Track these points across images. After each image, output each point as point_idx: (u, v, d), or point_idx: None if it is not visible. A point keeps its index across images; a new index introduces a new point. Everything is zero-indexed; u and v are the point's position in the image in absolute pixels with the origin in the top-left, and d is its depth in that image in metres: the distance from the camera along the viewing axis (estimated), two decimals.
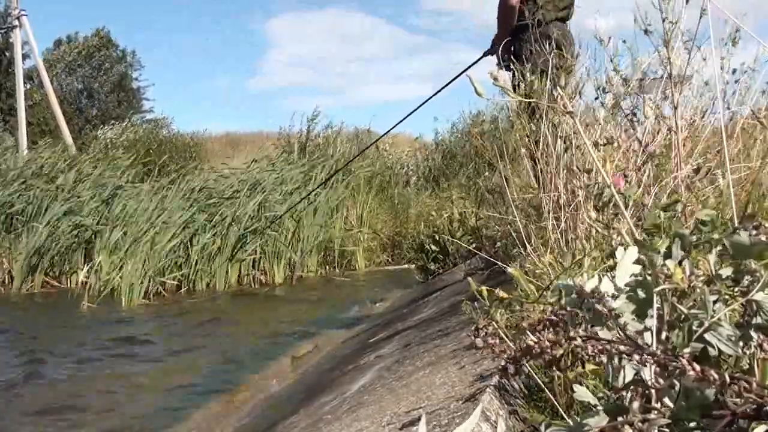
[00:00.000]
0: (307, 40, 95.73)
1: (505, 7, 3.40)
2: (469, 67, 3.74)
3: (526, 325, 0.81)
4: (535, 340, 0.75)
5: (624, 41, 1.94)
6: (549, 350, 0.73)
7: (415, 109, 4.46)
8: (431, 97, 4.23)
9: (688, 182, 1.47)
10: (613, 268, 0.89)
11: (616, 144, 1.67)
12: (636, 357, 0.73)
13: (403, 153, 13.86)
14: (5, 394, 3.97)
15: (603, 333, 0.80)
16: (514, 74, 3.30)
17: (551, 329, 0.78)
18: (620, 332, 0.78)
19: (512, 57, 3.40)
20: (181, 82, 59.93)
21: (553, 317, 0.78)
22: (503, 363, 0.77)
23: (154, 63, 50.39)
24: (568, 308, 0.80)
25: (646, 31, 1.55)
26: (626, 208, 1.03)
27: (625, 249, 0.87)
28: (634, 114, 1.71)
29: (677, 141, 1.55)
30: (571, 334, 0.75)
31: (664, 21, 1.48)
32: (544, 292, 1.16)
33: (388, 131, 5.81)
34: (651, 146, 1.47)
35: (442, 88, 4.07)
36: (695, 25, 1.53)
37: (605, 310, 0.78)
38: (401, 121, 4.80)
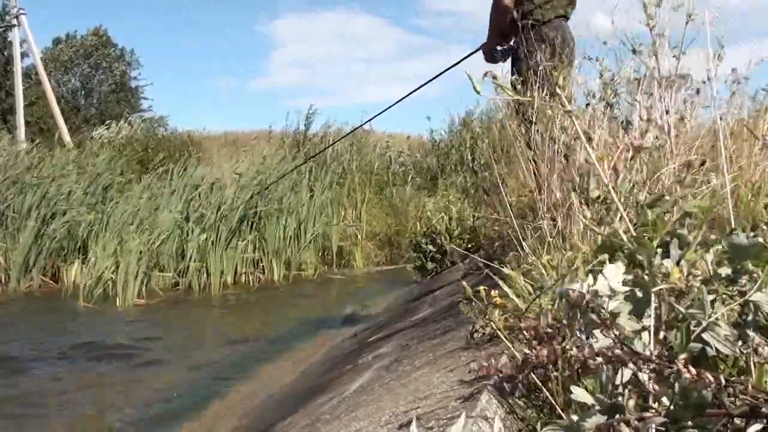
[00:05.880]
0: (309, 41, 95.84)
1: (499, 6, 3.38)
2: (461, 60, 3.72)
3: (521, 328, 0.81)
4: (532, 355, 0.76)
5: (605, 42, 1.94)
6: (545, 362, 0.74)
7: (402, 99, 4.41)
8: (417, 89, 4.21)
9: (680, 178, 1.47)
10: (603, 264, 0.89)
11: (612, 142, 1.68)
12: (632, 365, 0.73)
13: (402, 152, 13.85)
14: None
15: (599, 336, 0.80)
16: (514, 74, 3.30)
17: (547, 340, 0.78)
18: (616, 339, 0.78)
19: (513, 57, 3.40)
20: (183, 82, 60.09)
21: (548, 329, 0.78)
22: (498, 383, 0.77)
23: (155, 63, 50.44)
24: (564, 321, 0.80)
25: (634, 51, 1.55)
26: (619, 201, 1.03)
27: (618, 249, 0.87)
28: (630, 123, 1.71)
29: (669, 138, 1.56)
30: (566, 346, 0.76)
31: (651, 29, 1.49)
32: (539, 294, 1.16)
33: (368, 120, 5.86)
34: (639, 140, 1.47)
35: (431, 79, 4.06)
36: (682, 28, 1.54)
37: (598, 320, 0.79)
38: (384, 110, 4.83)
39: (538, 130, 2.24)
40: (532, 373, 1.12)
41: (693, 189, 1.55)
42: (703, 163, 1.33)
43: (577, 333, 0.83)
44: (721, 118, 1.94)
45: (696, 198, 1.50)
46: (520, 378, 0.76)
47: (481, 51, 3.61)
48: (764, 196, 1.76)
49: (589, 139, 1.34)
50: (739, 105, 2.09)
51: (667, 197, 0.99)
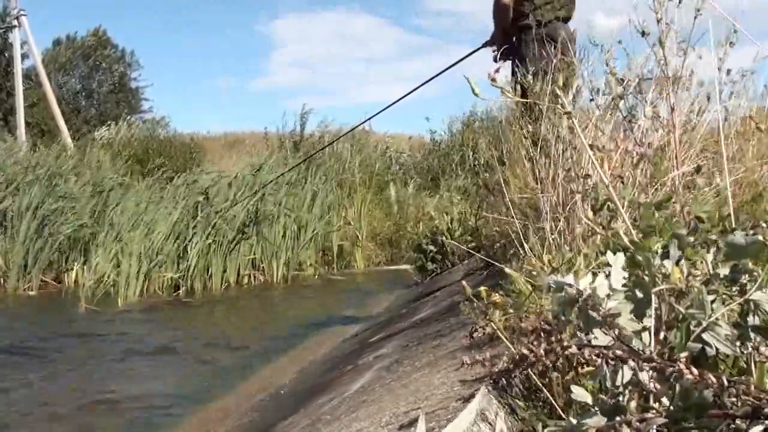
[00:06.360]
0: (309, 41, 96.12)
1: (499, 6, 3.39)
2: (462, 59, 3.72)
3: (522, 328, 0.80)
4: (529, 350, 0.75)
5: (620, 41, 1.93)
6: (543, 359, 0.73)
7: (401, 99, 4.38)
8: (417, 89, 4.19)
9: (686, 182, 1.47)
10: (606, 265, 0.89)
11: (613, 145, 1.67)
12: (632, 363, 0.73)
13: (402, 153, 13.85)
14: None
15: (599, 335, 0.80)
16: (515, 74, 3.30)
17: (545, 337, 0.78)
18: (616, 338, 0.78)
19: (514, 57, 3.40)
20: (183, 82, 60.18)
21: (546, 326, 0.78)
22: (494, 377, 0.77)
23: (155, 63, 50.53)
24: (561, 315, 0.80)
25: (643, 33, 1.55)
26: (622, 207, 1.03)
27: (620, 250, 0.87)
28: (633, 116, 1.71)
29: (675, 139, 1.55)
30: (565, 343, 0.75)
31: (659, 22, 1.49)
32: (540, 293, 1.16)
33: (367, 120, 5.85)
34: (645, 148, 1.47)
35: (431, 79, 4.04)
36: (691, 25, 1.53)
37: (599, 317, 0.78)
38: (382, 110, 4.81)
39: (540, 130, 2.24)
40: (531, 373, 1.12)
41: (697, 192, 1.55)
42: (698, 170, 1.33)
43: (577, 331, 0.83)
44: (726, 119, 1.94)
45: (700, 199, 1.50)
46: (517, 373, 0.76)
47: (484, 49, 3.61)
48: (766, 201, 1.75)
49: (592, 147, 1.35)
50: (740, 104, 2.08)
51: (673, 199, 0.99)
